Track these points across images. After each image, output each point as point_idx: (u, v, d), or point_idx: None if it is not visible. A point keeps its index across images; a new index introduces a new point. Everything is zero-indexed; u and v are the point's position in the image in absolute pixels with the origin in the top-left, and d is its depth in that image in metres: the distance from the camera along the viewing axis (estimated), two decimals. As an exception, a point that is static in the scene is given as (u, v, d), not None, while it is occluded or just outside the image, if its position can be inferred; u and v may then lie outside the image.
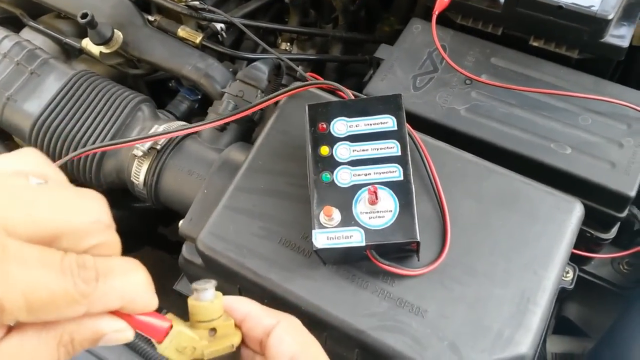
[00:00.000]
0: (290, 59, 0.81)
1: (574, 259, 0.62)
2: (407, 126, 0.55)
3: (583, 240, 0.66)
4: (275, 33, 1.04)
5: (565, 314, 0.80)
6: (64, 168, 0.77)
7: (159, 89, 1.00)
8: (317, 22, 1.04)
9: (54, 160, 0.76)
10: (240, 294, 0.62)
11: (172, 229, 0.98)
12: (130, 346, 0.74)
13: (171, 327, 0.33)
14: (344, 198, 0.50)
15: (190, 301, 0.35)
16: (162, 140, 0.71)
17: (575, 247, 0.56)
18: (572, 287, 0.61)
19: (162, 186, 0.71)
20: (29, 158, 0.30)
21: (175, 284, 0.76)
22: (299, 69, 0.75)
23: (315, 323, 0.54)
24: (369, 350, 0.52)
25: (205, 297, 0.35)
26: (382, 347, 0.50)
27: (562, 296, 0.64)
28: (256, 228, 0.56)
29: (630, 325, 0.66)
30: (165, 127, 0.72)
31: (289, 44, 1.02)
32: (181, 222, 0.64)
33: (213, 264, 0.58)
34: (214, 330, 0.35)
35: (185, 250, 0.65)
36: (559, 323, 0.80)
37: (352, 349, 0.55)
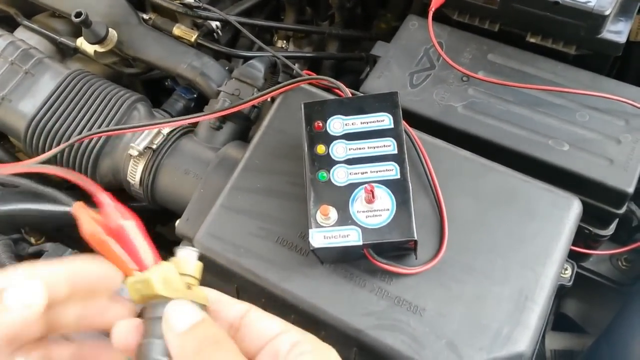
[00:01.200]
0: (287, 57, 0.80)
1: (573, 256, 0.62)
2: (404, 124, 0.55)
3: (581, 237, 0.66)
4: (272, 31, 1.04)
5: (564, 310, 0.80)
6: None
7: (155, 88, 1.00)
8: (313, 20, 1.03)
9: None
10: (237, 293, 0.61)
11: (170, 228, 0.98)
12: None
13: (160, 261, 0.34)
14: (341, 197, 0.50)
15: (174, 258, 0.35)
16: (158, 139, 0.70)
17: (573, 244, 0.56)
18: (570, 284, 0.61)
19: (158, 186, 0.71)
20: None
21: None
22: (296, 67, 0.75)
23: (313, 322, 0.53)
24: (367, 350, 0.51)
25: (189, 253, 0.35)
26: (380, 346, 0.50)
27: (561, 293, 0.63)
28: (253, 227, 0.56)
29: (629, 321, 0.66)
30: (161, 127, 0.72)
31: (285, 41, 1.02)
32: (178, 222, 0.63)
33: (210, 264, 0.57)
34: (189, 287, 0.35)
35: (182, 250, 0.65)
36: (558, 320, 0.80)
37: (350, 348, 0.55)
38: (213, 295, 0.36)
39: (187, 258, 0.35)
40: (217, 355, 0.30)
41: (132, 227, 0.34)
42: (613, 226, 0.67)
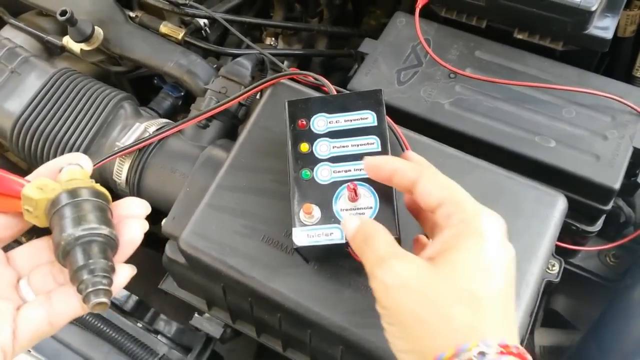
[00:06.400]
0: (275, 54, 0.80)
1: (561, 252, 0.62)
2: (390, 121, 0.54)
3: (569, 233, 0.66)
4: (261, 28, 1.03)
5: (553, 306, 0.80)
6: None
7: (144, 86, 0.99)
8: (302, 17, 1.03)
9: (36, 159, 0.75)
10: (224, 292, 0.61)
11: (160, 226, 0.97)
12: (117, 346, 0.73)
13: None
14: (324, 195, 0.49)
15: (58, 176, 0.39)
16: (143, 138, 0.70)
17: (561, 240, 0.56)
18: (558, 280, 0.61)
19: (144, 185, 0.71)
20: None
21: (160, 282, 0.75)
22: (284, 65, 0.74)
23: (299, 321, 0.53)
24: (353, 348, 0.51)
25: (70, 167, 0.39)
26: (366, 344, 0.50)
27: (549, 289, 0.63)
28: (239, 226, 0.56)
29: (616, 317, 0.66)
30: (147, 125, 0.71)
31: (274, 38, 1.01)
32: (164, 220, 0.63)
33: (196, 263, 0.57)
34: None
35: (169, 249, 0.65)
36: (546, 316, 0.80)
37: (336, 346, 0.54)
38: (389, 167, 0.45)
39: (69, 169, 0.39)
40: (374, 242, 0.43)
41: None
42: (600, 222, 0.67)
